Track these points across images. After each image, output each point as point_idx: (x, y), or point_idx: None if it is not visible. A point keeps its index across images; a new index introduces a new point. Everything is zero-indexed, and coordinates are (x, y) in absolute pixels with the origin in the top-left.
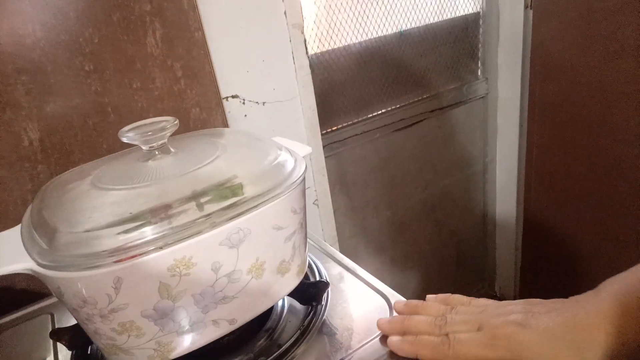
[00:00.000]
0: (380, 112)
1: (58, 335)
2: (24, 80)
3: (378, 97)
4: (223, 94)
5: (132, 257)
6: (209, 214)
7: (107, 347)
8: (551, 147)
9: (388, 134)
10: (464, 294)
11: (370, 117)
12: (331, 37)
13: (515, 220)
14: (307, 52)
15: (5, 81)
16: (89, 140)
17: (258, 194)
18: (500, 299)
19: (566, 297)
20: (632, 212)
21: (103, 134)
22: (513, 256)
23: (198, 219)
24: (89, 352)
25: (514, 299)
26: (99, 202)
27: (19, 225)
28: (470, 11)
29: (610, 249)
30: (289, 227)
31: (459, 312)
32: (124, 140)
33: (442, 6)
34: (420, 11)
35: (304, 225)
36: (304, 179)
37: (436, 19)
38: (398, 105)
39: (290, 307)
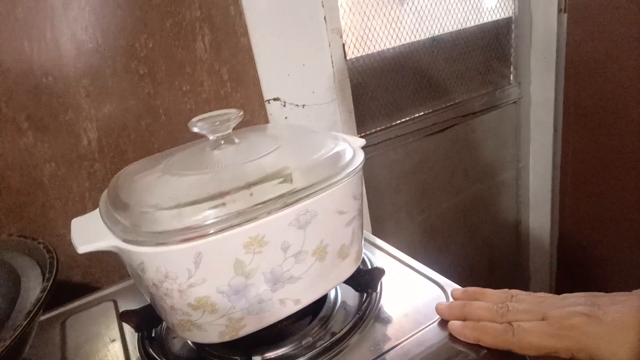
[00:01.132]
0: (412, 116)
1: (126, 317)
2: (85, 83)
3: (410, 102)
4: (265, 96)
5: (213, 233)
6: (281, 195)
7: (182, 323)
8: (587, 153)
9: (420, 139)
10: None
11: (403, 122)
12: (365, 43)
13: (550, 229)
14: (345, 56)
15: (68, 84)
16: (141, 140)
17: (324, 178)
18: None
19: None
20: None
21: (154, 134)
22: (548, 265)
23: (271, 199)
24: (153, 335)
25: None
26: (175, 185)
27: (95, 211)
28: (503, 16)
29: None
30: (350, 212)
31: (520, 300)
32: (194, 129)
33: (474, 11)
34: (452, 17)
35: (361, 212)
36: (363, 164)
37: (468, 24)
38: (430, 110)
39: (344, 297)
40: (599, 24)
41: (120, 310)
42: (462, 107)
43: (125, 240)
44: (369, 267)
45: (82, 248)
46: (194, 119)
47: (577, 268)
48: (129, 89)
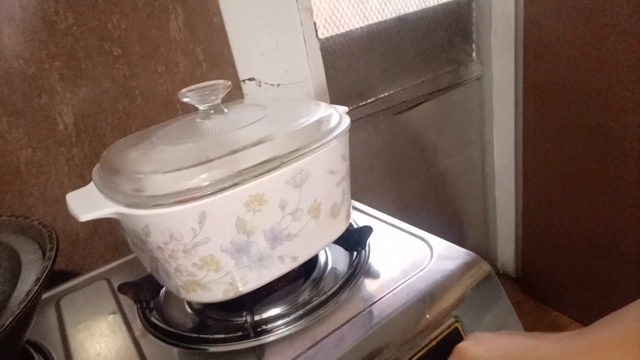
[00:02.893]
0: (382, 95)
1: (125, 289)
2: (58, 65)
3: (380, 81)
4: (241, 76)
5: (216, 191)
6: (277, 156)
7: (186, 284)
8: (547, 125)
9: (391, 117)
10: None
11: (373, 101)
12: (335, 23)
13: (515, 199)
14: (317, 35)
15: (40, 67)
16: (119, 124)
17: (319, 138)
18: (503, 276)
19: (567, 276)
20: (629, 185)
21: (132, 117)
22: (514, 235)
23: (269, 160)
24: (152, 306)
25: (516, 277)
26: (172, 152)
27: (89, 184)
28: None
29: (608, 223)
30: (340, 172)
31: None
32: (184, 100)
33: None
34: None
35: (349, 173)
36: (349, 127)
37: (432, 4)
38: (399, 89)
39: (334, 260)
40: (554, 2)
41: (116, 287)
42: (429, 84)
43: (128, 205)
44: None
45: (84, 216)
46: (184, 90)
47: (541, 237)
48: (104, 71)
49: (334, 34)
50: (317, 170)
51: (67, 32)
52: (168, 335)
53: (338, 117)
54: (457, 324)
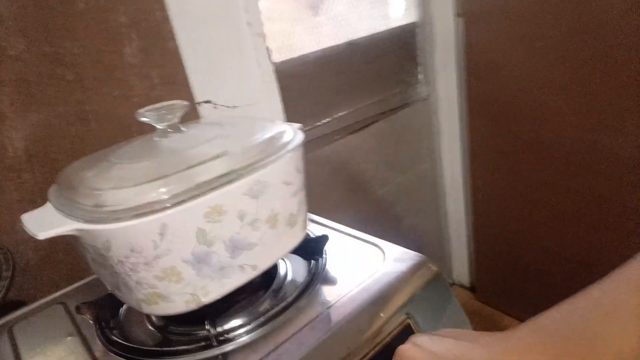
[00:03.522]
0: (336, 115)
1: (83, 309)
2: (8, 91)
3: (334, 102)
4: (197, 99)
5: (176, 203)
6: (234, 170)
7: (148, 297)
8: (491, 140)
9: (346, 136)
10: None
11: (328, 121)
12: (290, 47)
13: (465, 212)
14: (270, 59)
15: None
16: (72, 147)
17: (275, 152)
18: (459, 285)
19: (520, 282)
20: (570, 191)
21: (85, 140)
22: (466, 245)
23: (226, 173)
24: (111, 325)
25: (470, 286)
26: (130, 169)
27: (45, 204)
28: (408, 21)
29: (555, 229)
30: (295, 183)
31: None
32: (143, 119)
33: (384, 17)
34: (364, 23)
35: (305, 185)
36: (303, 142)
37: (380, 29)
38: (352, 109)
39: (293, 271)
40: (492, 26)
41: (72, 310)
42: (380, 105)
43: (88, 221)
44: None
45: (43, 234)
46: (142, 110)
47: (492, 246)
48: (57, 96)
49: (288, 57)
50: (273, 182)
51: (18, 58)
52: (130, 352)
53: (292, 132)
54: (408, 320)
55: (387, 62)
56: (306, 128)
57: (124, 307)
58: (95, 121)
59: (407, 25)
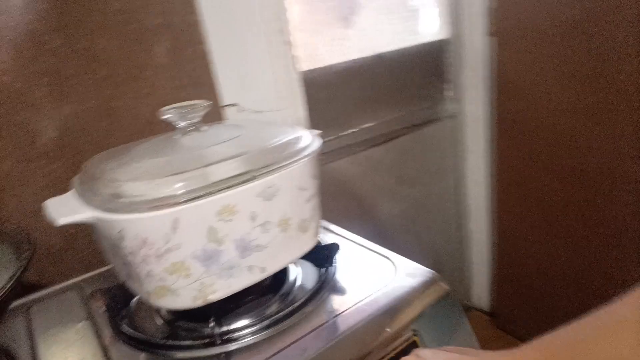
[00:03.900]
0: (360, 127)
1: (96, 296)
2: (44, 82)
3: (358, 114)
4: (222, 102)
5: (190, 199)
6: (249, 171)
7: (157, 289)
8: (520, 162)
9: (368, 148)
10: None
11: (352, 133)
12: (316, 57)
13: (488, 233)
14: (295, 67)
15: (26, 83)
16: (100, 140)
17: (292, 152)
18: (478, 310)
19: (541, 311)
20: (600, 221)
21: (112, 135)
22: (487, 268)
23: (241, 173)
24: (122, 314)
25: (489, 310)
26: (150, 164)
27: (68, 193)
28: (439, 38)
29: (580, 258)
30: (309, 189)
31: None
32: (165, 117)
33: (414, 33)
34: (394, 36)
35: (319, 193)
36: (319, 149)
37: (409, 44)
38: (376, 122)
39: (303, 278)
40: (522, 46)
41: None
42: (405, 119)
43: (105, 210)
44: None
45: (62, 220)
46: (165, 108)
47: (514, 271)
48: (90, 90)
49: (315, 67)
50: (287, 186)
51: (56, 52)
52: (136, 342)
53: (310, 138)
54: (415, 337)
55: (415, 77)
56: (329, 138)
57: (136, 298)
58: (123, 117)
59: (437, 41)
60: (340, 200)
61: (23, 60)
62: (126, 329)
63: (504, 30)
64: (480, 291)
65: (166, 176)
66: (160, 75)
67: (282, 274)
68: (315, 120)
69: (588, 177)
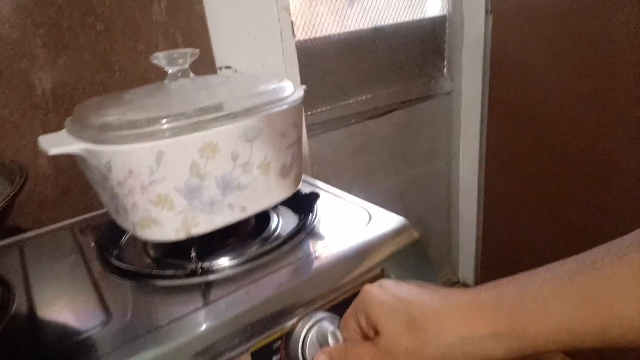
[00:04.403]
0: (355, 99)
1: (86, 232)
2: (41, 33)
3: (353, 86)
4: (217, 64)
5: (173, 135)
6: (233, 112)
7: (142, 220)
8: (509, 141)
9: (362, 121)
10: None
11: (346, 104)
12: (313, 27)
13: (476, 212)
14: (293, 34)
15: (23, 33)
16: (95, 94)
17: (274, 98)
18: (463, 285)
19: None
20: (585, 199)
21: (108, 89)
22: (474, 245)
23: (225, 115)
24: (111, 251)
25: (475, 285)
26: (138, 104)
27: (61, 130)
28: (438, 14)
29: (564, 236)
30: (290, 136)
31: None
32: (154, 61)
33: (413, 7)
34: (392, 10)
35: (300, 141)
36: (302, 100)
37: (407, 19)
38: (371, 95)
39: (284, 226)
40: (518, 24)
41: (78, 235)
42: (401, 94)
43: (95, 141)
44: None
45: (54, 150)
46: (156, 53)
47: (500, 248)
48: (85, 44)
49: (312, 37)
50: (268, 130)
51: (53, 3)
52: (124, 272)
53: (293, 89)
54: (382, 274)
55: (412, 52)
56: (324, 108)
57: (125, 236)
58: (119, 72)
59: (436, 17)
60: (332, 170)
61: (21, 10)
62: (115, 261)
63: (501, 9)
64: (466, 267)
65: (152, 113)
66: (156, 33)
67: (264, 221)
68: (310, 90)
69: (578, 160)
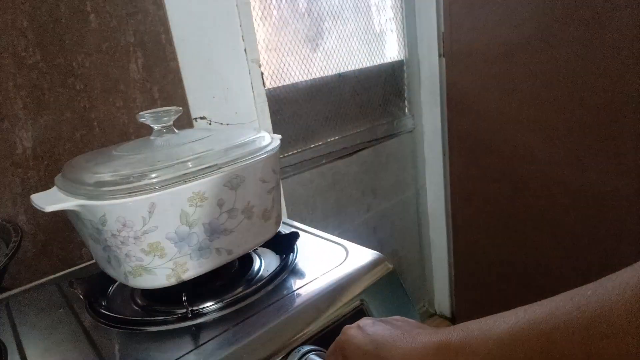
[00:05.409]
0: (324, 141)
1: (75, 285)
2: (22, 95)
3: (322, 129)
4: (193, 115)
5: (164, 187)
6: (217, 164)
7: (134, 269)
8: (470, 170)
9: (332, 161)
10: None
11: (316, 146)
12: (281, 76)
13: (446, 238)
14: (263, 83)
15: (5, 95)
16: (76, 150)
17: (254, 149)
18: (440, 316)
19: (493, 311)
20: (540, 222)
21: (88, 145)
22: (447, 275)
23: (210, 166)
24: (100, 301)
25: (451, 315)
26: (127, 160)
27: (52, 188)
28: (396, 58)
29: (530, 254)
30: (271, 182)
31: None
32: (141, 120)
33: (372, 53)
34: (354, 57)
35: (279, 186)
36: (279, 148)
37: (368, 64)
38: (340, 136)
39: (267, 265)
40: (470, 66)
41: (65, 290)
42: (367, 133)
43: (89, 198)
44: None
45: (50, 207)
46: (142, 112)
47: (471, 274)
48: (66, 102)
49: (280, 84)
50: (250, 178)
51: (35, 67)
52: (115, 321)
53: (270, 139)
54: (362, 306)
55: (374, 95)
56: (295, 150)
57: (112, 287)
58: (98, 128)
59: (395, 62)
60: (306, 210)
61: (3, 74)
62: (104, 312)
63: (452, 52)
64: (442, 297)
65: (143, 168)
66: (134, 89)
67: (248, 263)
68: (281, 134)
69: (533, 184)
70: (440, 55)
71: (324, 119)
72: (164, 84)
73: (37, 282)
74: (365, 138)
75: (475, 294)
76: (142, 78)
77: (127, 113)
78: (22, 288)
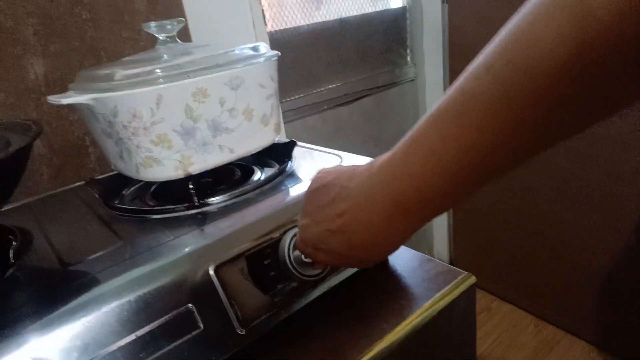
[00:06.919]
0: (326, 87)
1: (92, 184)
2: (33, 22)
3: (324, 74)
4: None
5: (169, 80)
6: (218, 64)
7: (145, 160)
8: None
9: (334, 107)
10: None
11: (318, 92)
12: (282, 19)
13: None
14: (265, 22)
15: (17, 21)
16: None
17: (253, 54)
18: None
19: (495, 255)
20: (536, 161)
21: None
22: (446, 220)
23: (212, 66)
24: (114, 200)
25: (449, 261)
26: (137, 62)
27: (67, 92)
28: (399, 5)
29: (524, 200)
30: (269, 88)
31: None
32: (146, 29)
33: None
34: (356, 1)
35: (277, 96)
36: (277, 58)
37: (370, 10)
38: (341, 83)
39: (266, 174)
40: (472, 10)
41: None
42: (368, 81)
43: (102, 91)
44: None
45: (65, 100)
46: (147, 22)
47: (469, 220)
48: (74, 31)
49: (282, 27)
50: (249, 80)
51: None
52: (128, 212)
53: (268, 48)
54: None
55: (376, 42)
56: (297, 95)
57: (125, 190)
58: (106, 58)
59: (398, 9)
60: None
61: (15, 0)
62: (119, 206)
63: None
64: (441, 244)
65: (151, 66)
66: (138, 20)
67: (249, 172)
68: (283, 80)
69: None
70: (443, 2)
71: (326, 65)
72: (167, 17)
73: (56, 191)
74: (367, 85)
75: (473, 240)
76: (145, 10)
77: (132, 45)
78: (43, 195)
